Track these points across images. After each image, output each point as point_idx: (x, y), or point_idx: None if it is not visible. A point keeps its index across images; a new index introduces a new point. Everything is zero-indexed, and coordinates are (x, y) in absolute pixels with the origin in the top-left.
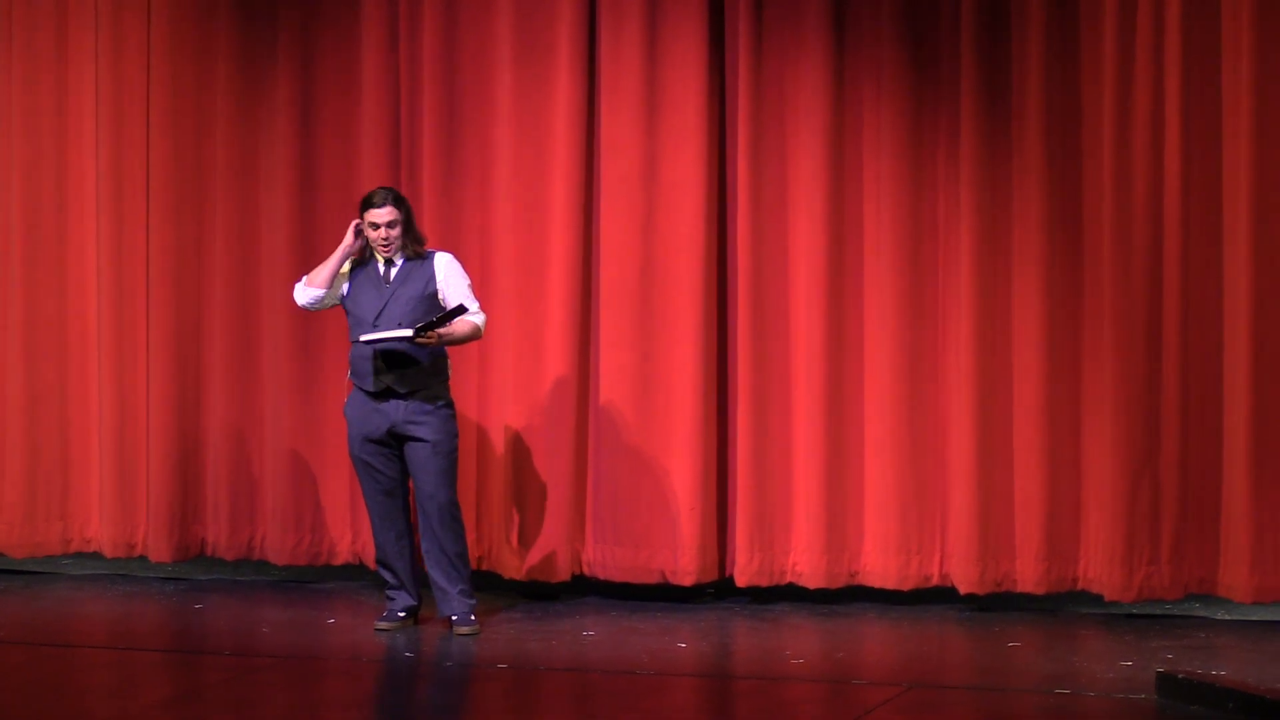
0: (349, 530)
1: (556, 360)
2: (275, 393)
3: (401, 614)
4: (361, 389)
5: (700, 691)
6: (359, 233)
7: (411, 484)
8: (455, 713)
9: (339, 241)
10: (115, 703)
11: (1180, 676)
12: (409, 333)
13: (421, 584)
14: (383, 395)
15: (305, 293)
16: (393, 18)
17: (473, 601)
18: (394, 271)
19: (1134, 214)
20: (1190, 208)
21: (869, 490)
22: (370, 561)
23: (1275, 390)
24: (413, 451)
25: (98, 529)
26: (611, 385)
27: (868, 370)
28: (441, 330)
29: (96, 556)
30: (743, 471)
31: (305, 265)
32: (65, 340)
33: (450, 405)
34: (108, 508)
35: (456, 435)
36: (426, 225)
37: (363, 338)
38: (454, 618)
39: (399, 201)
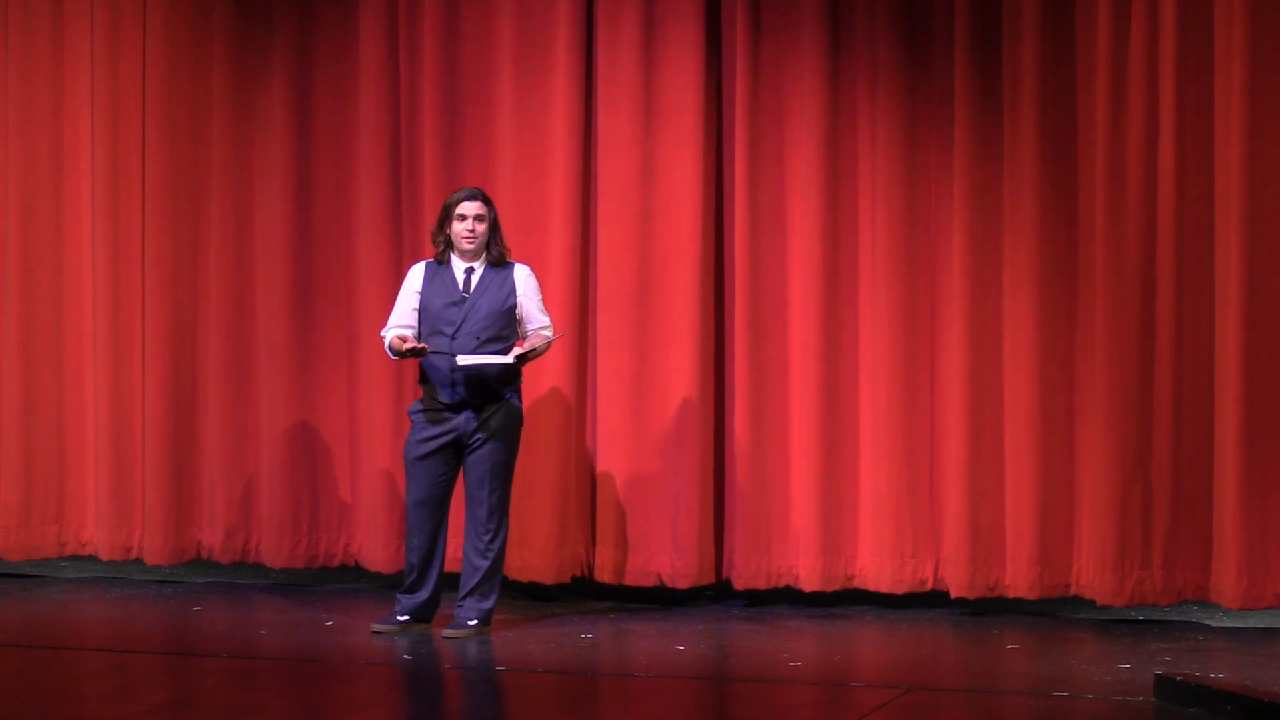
0: (344, 533)
1: (554, 362)
2: (270, 396)
3: (402, 618)
4: (437, 399)
5: (698, 694)
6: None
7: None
8: (453, 715)
9: (336, 246)
10: (113, 706)
11: (1179, 679)
12: (510, 360)
13: (444, 588)
14: (458, 406)
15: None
16: (392, 22)
17: (483, 606)
18: (473, 280)
19: (1127, 218)
20: (1184, 212)
21: (864, 494)
22: (365, 564)
23: (1266, 397)
24: (472, 455)
25: (94, 532)
26: (608, 387)
27: (862, 373)
28: (536, 351)
29: (93, 559)
30: (740, 474)
31: (301, 269)
32: (62, 343)
33: (519, 413)
34: (104, 511)
35: (517, 443)
36: (428, 228)
37: (460, 362)
38: (453, 621)
39: (487, 200)
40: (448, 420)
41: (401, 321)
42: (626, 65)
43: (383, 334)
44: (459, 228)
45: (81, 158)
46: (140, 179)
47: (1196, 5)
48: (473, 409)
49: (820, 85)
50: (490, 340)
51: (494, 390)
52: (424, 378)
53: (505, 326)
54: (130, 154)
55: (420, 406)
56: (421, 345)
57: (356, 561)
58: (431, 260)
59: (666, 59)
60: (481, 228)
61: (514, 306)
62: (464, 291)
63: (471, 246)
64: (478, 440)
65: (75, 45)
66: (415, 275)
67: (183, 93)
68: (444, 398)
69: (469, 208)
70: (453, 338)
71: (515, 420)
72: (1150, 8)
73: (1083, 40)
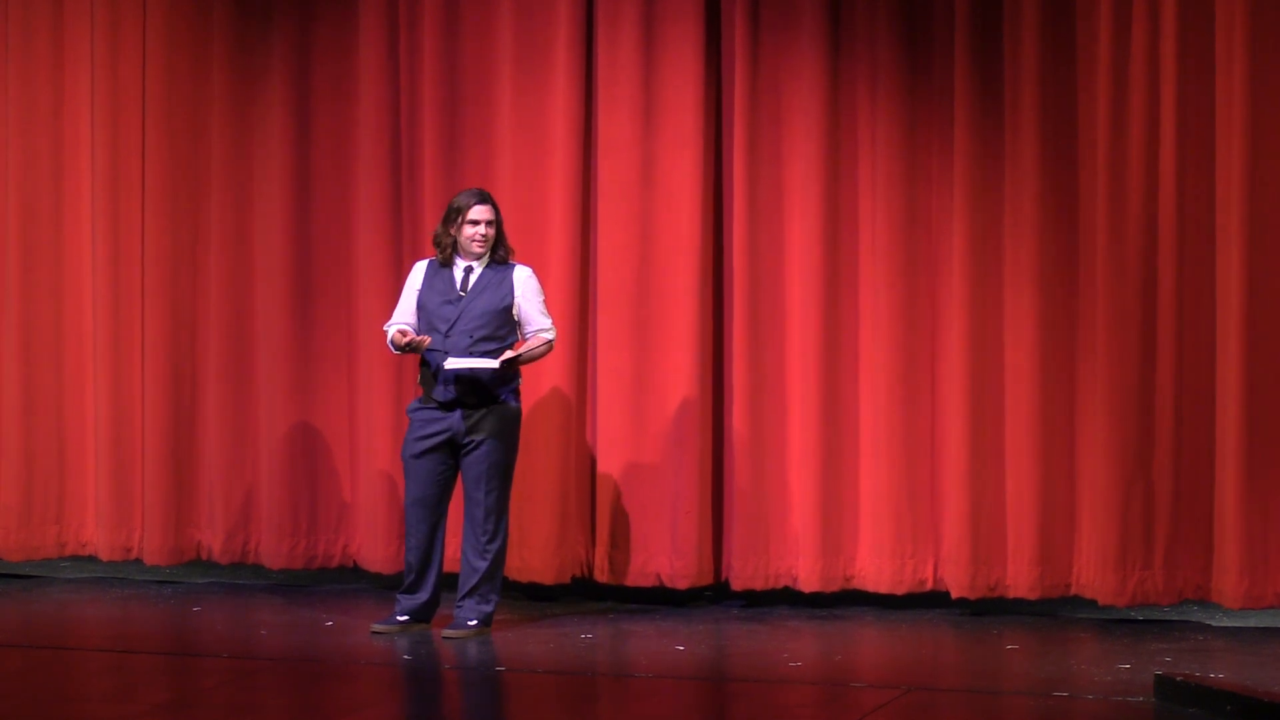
0: (343, 534)
1: (554, 362)
2: (270, 397)
3: (402, 618)
4: (433, 398)
5: (698, 694)
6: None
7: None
8: (453, 715)
9: (336, 246)
10: (113, 706)
11: (1178, 679)
12: (494, 364)
13: (443, 588)
14: (451, 405)
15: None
16: (392, 21)
17: (483, 609)
18: (471, 279)
19: (1128, 218)
20: (1184, 212)
21: (863, 494)
22: (364, 564)
23: (1267, 397)
24: (467, 455)
25: (94, 532)
26: (608, 387)
27: (862, 373)
28: (524, 357)
29: (93, 560)
30: (738, 475)
31: (301, 269)
32: (62, 343)
33: (516, 414)
34: (104, 511)
35: (515, 444)
36: (428, 228)
37: (447, 366)
38: (453, 621)
39: (494, 203)
40: (442, 420)
41: (403, 319)
42: (626, 65)
43: (385, 328)
44: (471, 232)
45: (81, 158)
46: (140, 179)
47: (1197, 5)
48: (466, 409)
49: (820, 85)
50: (484, 339)
51: (488, 391)
52: (423, 376)
53: (501, 326)
54: (130, 154)
55: (418, 405)
56: (421, 338)
57: (355, 562)
58: (434, 259)
59: (666, 58)
60: (492, 232)
61: (510, 307)
62: (460, 290)
63: (483, 251)
64: (472, 441)
65: (75, 45)
66: (416, 273)
67: (182, 93)
68: (438, 396)
69: (481, 212)
70: (446, 335)
71: (512, 421)
72: (1151, 8)
73: (1083, 40)
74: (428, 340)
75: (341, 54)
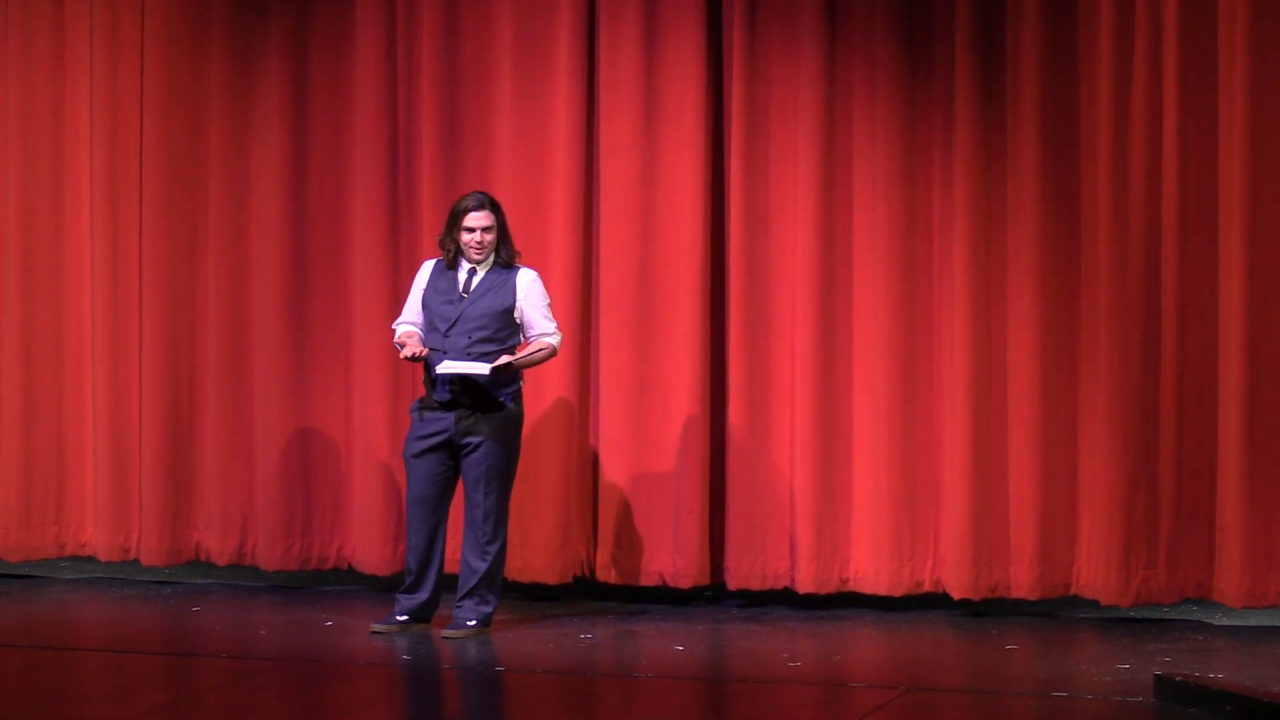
0: (338, 536)
1: (556, 362)
2: (267, 398)
3: (401, 618)
4: (433, 397)
5: (698, 694)
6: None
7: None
8: (453, 716)
9: (333, 247)
10: (113, 706)
11: (1178, 679)
12: (486, 369)
13: (443, 589)
14: (449, 406)
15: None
16: (390, 22)
17: (483, 609)
18: (474, 281)
19: (1130, 218)
20: (1186, 213)
21: (862, 495)
22: (359, 566)
23: (1269, 396)
24: (466, 457)
25: (93, 533)
26: (610, 387)
27: (861, 374)
28: (518, 362)
29: (92, 560)
30: (735, 475)
31: (299, 270)
32: (61, 344)
33: (516, 416)
34: (103, 511)
35: (515, 447)
36: (426, 229)
37: (439, 369)
38: (452, 621)
39: (495, 208)
40: (440, 420)
41: (410, 318)
42: (627, 66)
43: (394, 326)
44: (468, 238)
45: (81, 158)
46: (138, 181)
47: (1199, 5)
48: (462, 410)
49: (820, 85)
50: (483, 340)
51: (485, 394)
52: (426, 377)
53: (501, 329)
54: (128, 156)
55: (418, 405)
56: (420, 352)
57: (350, 565)
58: (442, 259)
59: (667, 59)
60: (489, 238)
61: (511, 309)
62: (463, 292)
63: (480, 257)
64: (469, 443)
65: (75, 46)
66: (424, 272)
67: (180, 94)
68: (436, 397)
69: (477, 219)
70: (445, 335)
71: (511, 423)
72: (1153, 8)
73: (1084, 39)
74: (425, 352)
75: (340, 54)
